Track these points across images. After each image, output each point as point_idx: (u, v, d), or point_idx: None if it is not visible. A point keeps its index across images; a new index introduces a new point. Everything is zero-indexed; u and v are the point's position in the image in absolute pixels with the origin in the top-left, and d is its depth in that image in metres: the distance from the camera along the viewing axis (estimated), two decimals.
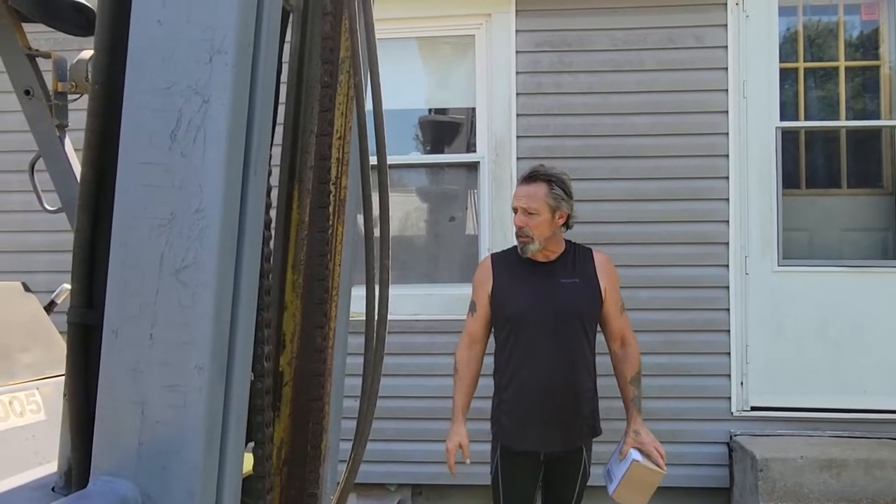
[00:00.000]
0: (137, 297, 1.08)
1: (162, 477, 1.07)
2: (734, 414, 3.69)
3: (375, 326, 1.33)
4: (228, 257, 1.11)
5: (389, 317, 4.04)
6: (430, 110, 4.15)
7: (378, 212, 1.34)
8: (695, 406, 3.71)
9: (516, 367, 2.53)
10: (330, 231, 1.65)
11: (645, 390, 3.56)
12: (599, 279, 2.58)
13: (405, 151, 3.99)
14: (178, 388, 1.07)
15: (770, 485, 3.25)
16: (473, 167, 3.92)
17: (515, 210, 2.52)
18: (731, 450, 3.65)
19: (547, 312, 2.50)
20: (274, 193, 1.64)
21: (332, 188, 1.61)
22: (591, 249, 2.67)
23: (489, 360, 2.68)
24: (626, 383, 2.65)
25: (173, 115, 1.09)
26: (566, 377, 2.51)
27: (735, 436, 3.64)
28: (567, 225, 2.58)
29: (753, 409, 3.68)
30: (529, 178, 2.53)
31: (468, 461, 2.57)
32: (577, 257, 2.61)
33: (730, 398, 3.70)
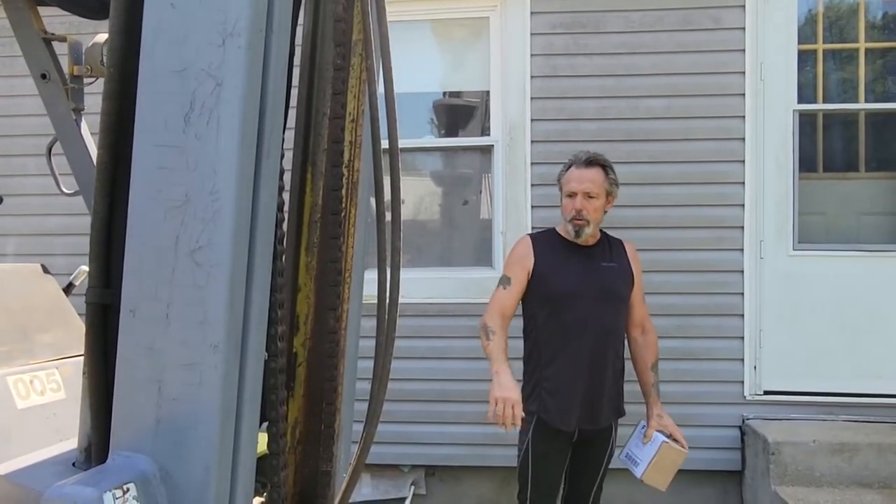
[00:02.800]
0: (153, 278, 1.11)
1: (179, 452, 1.09)
2: (747, 398, 3.68)
3: (387, 309, 1.34)
4: (242, 238, 1.13)
5: (403, 300, 4.06)
6: (444, 93, 4.13)
7: (390, 195, 1.35)
8: (707, 390, 3.71)
9: (559, 346, 2.55)
10: (343, 214, 1.66)
11: (660, 374, 3.58)
12: (631, 266, 2.67)
13: (419, 135, 3.99)
14: (194, 366, 1.10)
15: (782, 468, 3.25)
16: (487, 151, 3.91)
17: (572, 194, 2.55)
18: (743, 433, 3.65)
19: (591, 293, 2.54)
20: (287, 176, 1.66)
21: (344, 171, 1.62)
22: (620, 238, 2.75)
23: (515, 344, 2.65)
24: (647, 369, 2.69)
25: (187, 97, 1.10)
26: (608, 357, 2.57)
27: (747, 419, 3.63)
28: (606, 211, 2.62)
29: (766, 393, 3.67)
30: (589, 162, 2.58)
31: (520, 420, 2.32)
32: (612, 244, 2.70)
33: (742, 382, 3.69)
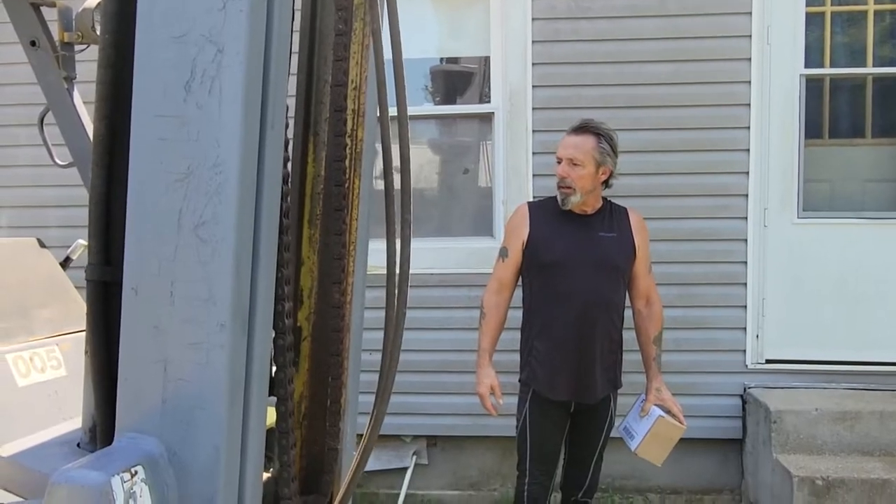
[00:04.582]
0: (156, 254, 1.06)
1: (187, 433, 1.06)
2: (749, 367, 3.68)
3: (397, 283, 1.30)
4: (247, 212, 1.09)
5: None
6: (441, 59, 4.04)
7: (399, 165, 1.30)
8: (709, 359, 3.70)
9: (550, 316, 2.54)
10: (346, 185, 1.62)
11: (662, 345, 3.58)
12: (634, 236, 2.62)
13: (417, 102, 3.91)
14: (200, 345, 1.06)
15: (783, 436, 3.26)
16: (487, 118, 3.84)
17: (559, 160, 2.51)
18: (744, 402, 3.66)
19: (584, 262, 2.51)
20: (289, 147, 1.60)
21: (347, 141, 1.57)
22: (625, 207, 2.70)
23: (513, 314, 2.67)
24: (649, 342, 2.67)
25: (187, 65, 1.05)
26: (601, 327, 2.54)
27: (749, 388, 3.64)
28: (607, 183, 2.57)
29: (768, 361, 3.67)
30: (579, 129, 2.52)
31: (502, 402, 2.59)
32: (614, 213, 2.65)
33: (745, 351, 3.69)
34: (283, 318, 1.20)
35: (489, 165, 3.88)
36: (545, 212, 2.62)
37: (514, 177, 3.75)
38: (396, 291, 1.28)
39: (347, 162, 1.61)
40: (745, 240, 3.66)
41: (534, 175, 3.70)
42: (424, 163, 4.04)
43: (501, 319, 2.64)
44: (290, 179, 1.27)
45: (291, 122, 1.60)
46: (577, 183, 2.49)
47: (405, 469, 3.86)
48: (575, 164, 2.49)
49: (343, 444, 1.70)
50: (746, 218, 3.65)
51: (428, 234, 3.92)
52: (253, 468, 1.15)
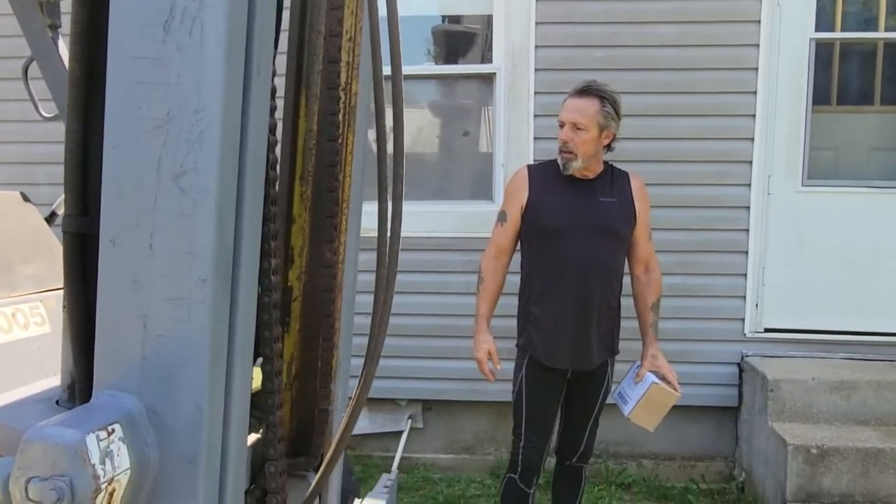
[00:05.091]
0: (134, 205, 1.01)
1: (167, 392, 1.03)
2: (747, 335, 3.66)
3: (388, 241, 1.25)
4: (231, 162, 1.03)
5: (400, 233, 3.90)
6: (443, 17, 3.93)
7: (392, 121, 1.24)
8: (707, 327, 3.68)
9: (549, 282, 2.50)
10: (340, 141, 1.56)
11: (660, 311, 3.55)
12: (635, 202, 2.57)
13: (416, 62, 3.81)
14: (181, 300, 1.02)
15: (780, 405, 3.25)
16: (488, 79, 3.75)
17: (561, 124, 2.44)
18: (741, 370, 3.65)
19: (584, 227, 2.46)
20: (280, 100, 1.54)
21: (341, 94, 1.50)
22: (627, 172, 2.63)
23: (512, 278, 2.64)
24: (647, 308, 2.63)
25: (166, 3, 0.98)
26: (599, 294, 2.50)
27: (746, 356, 3.62)
28: (609, 147, 2.51)
29: (767, 330, 3.65)
30: (582, 91, 2.44)
31: (499, 367, 2.58)
32: (615, 178, 2.58)
33: (743, 319, 3.66)
34: (269, 275, 1.16)
35: (489, 128, 3.80)
36: (545, 175, 2.56)
37: (514, 140, 3.67)
38: (387, 251, 1.22)
39: (341, 116, 1.55)
40: (748, 207, 3.60)
41: (535, 138, 3.63)
42: (424, 124, 3.96)
43: (499, 285, 2.60)
44: (277, 131, 1.21)
45: (282, 79, 1.53)
46: (580, 148, 2.43)
47: (400, 432, 3.86)
48: (578, 129, 2.42)
49: (334, 405, 1.67)
50: (750, 185, 3.59)
51: (425, 196, 3.86)
52: (237, 429, 1.11)
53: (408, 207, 3.95)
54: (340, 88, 1.52)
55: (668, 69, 3.59)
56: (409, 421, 3.88)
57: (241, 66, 1.04)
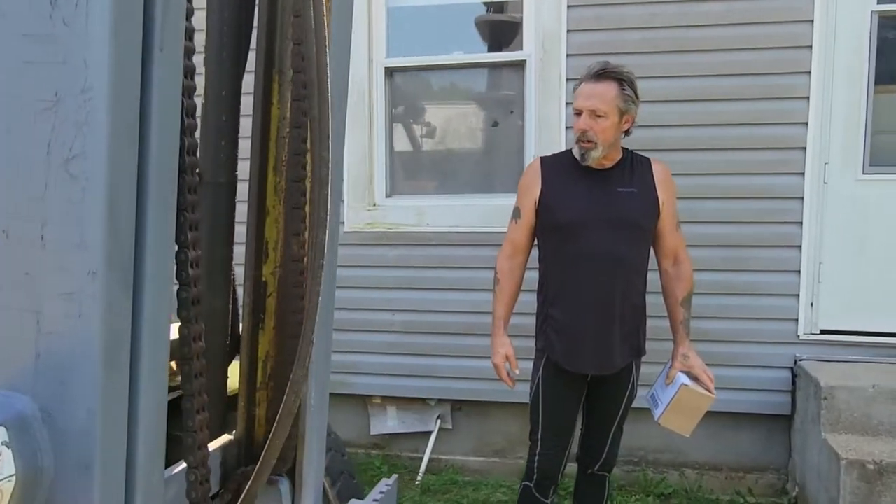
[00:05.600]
0: (25, 192, 0.94)
1: (61, 393, 0.95)
2: (801, 337, 3.37)
3: (309, 229, 1.15)
4: (123, 145, 0.94)
5: (428, 228, 3.91)
6: (486, 6, 3.76)
7: (317, 90, 1.12)
8: (757, 328, 3.41)
9: (566, 281, 2.35)
10: (308, 126, 1.47)
11: (702, 310, 3.32)
12: (658, 191, 2.36)
13: (444, 51, 3.69)
14: (73, 295, 0.94)
15: (834, 414, 2.97)
16: (519, 66, 3.60)
17: (578, 112, 2.28)
18: (794, 375, 3.37)
19: (601, 222, 2.29)
20: (250, 80, 1.47)
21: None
22: (649, 159, 2.43)
23: (531, 275, 2.50)
24: (677, 304, 2.42)
25: None
26: (621, 291, 2.33)
27: (800, 360, 3.34)
28: (628, 132, 2.33)
29: (823, 332, 3.35)
30: (599, 75, 2.26)
31: (518, 371, 2.45)
32: (635, 166, 2.39)
33: (797, 320, 3.37)
34: (186, 268, 1.07)
35: (521, 117, 3.65)
36: (559, 167, 2.40)
37: (545, 129, 3.51)
38: (314, 242, 1.12)
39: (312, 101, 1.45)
40: (802, 198, 3.31)
41: (567, 127, 3.45)
42: (452, 115, 3.84)
43: (516, 285, 2.47)
44: (197, 112, 1.12)
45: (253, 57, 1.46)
46: (601, 136, 2.26)
47: (429, 433, 3.76)
48: (598, 116, 2.24)
49: (307, 405, 1.58)
50: (804, 174, 3.30)
51: (454, 190, 3.75)
52: (149, 435, 1.03)
53: (436, 202, 3.89)
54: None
55: (712, 50, 3.34)
56: (438, 421, 3.78)
57: (137, 41, 0.95)
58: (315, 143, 1.11)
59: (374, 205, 3.72)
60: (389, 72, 3.70)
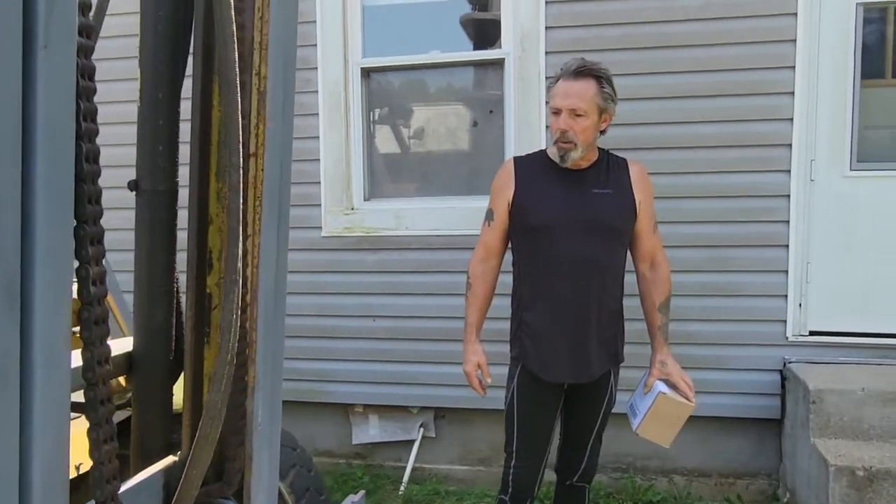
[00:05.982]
0: None
1: None
2: (789, 339, 3.28)
3: (229, 245, 1.06)
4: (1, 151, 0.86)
5: (408, 232, 3.79)
6: (472, 6, 3.67)
7: (223, 105, 1.04)
8: (744, 330, 3.32)
9: (540, 285, 2.26)
10: (248, 129, 1.38)
11: (686, 311, 3.24)
12: (635, 191, 2.27)
13: (421, 50, 3.60)
14: None
15: (823, 419, 2.88)
16: (498, 65, 3.51)
17: (556, 111, 2.19)
18: (784, 378, 3.28)
19: (576, 224, 2.20)
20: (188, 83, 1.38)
21: (255, 80, 1.33)
22: (625, 159, 2.34)
23: (506, 279, 2.41)
24: (654, 309, 2.33)
25: None
26: (597, 297, 2.24)
27: (789, 363, 3.25)
28: (604, 131, 2.25)
29: (812, 333, 3.26)
30: (577, 73, 2.17)
31: (489, 380, 2.37)
32: (611, 166, 2.30)
33: (785, 321, 3.28)
34: (87, 286, 0.98)
35: (500, 117, 3.56)
36: (533, 167, 2.31)
37: (525, 129, 3.42)
38: (224, 253, 1.03)
39: (249, 102, 1.37)
40: (788, 196, 3.23)
41: (547, 126, 3.35)
42: (431, 116, 3.76)
43: (490, 289, 2.38)
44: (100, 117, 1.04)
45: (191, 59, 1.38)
46: (580, 136, 2.17)
47: (412, 442, 3.67)
48: (577, 115, 2.16)
49: (253, 425, 1.49)
50: (790, 171, 3.21)
51: (433, 192, 3.66)
52: (47, 465, 0.95)
53: (414, 204, 3.78)
54: (254, 73, 1.34)
55: (694, 45, 3.26)
56: (421, 430, 3.69)
57: (16, 37, 0.87)
58: (225, 148, 1.03)
59: (352, 208, 3.63)
60: (366, 72, 3.62)
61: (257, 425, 1.53)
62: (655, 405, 2.24)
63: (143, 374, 1.50)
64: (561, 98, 2.18)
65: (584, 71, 2.18)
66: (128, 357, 1.47)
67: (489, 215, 2.37)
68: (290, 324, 3.96)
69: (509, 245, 2.40)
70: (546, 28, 3.36)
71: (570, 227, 2.21)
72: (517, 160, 2.38)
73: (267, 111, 1.42)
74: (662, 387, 2.26)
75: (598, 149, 2.31)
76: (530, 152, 2.45)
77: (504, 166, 2.39)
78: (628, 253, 2.35)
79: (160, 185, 1.46)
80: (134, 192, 1.38)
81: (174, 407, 1.59)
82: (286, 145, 1.48)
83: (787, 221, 3.24)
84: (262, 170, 1.46)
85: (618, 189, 2.26)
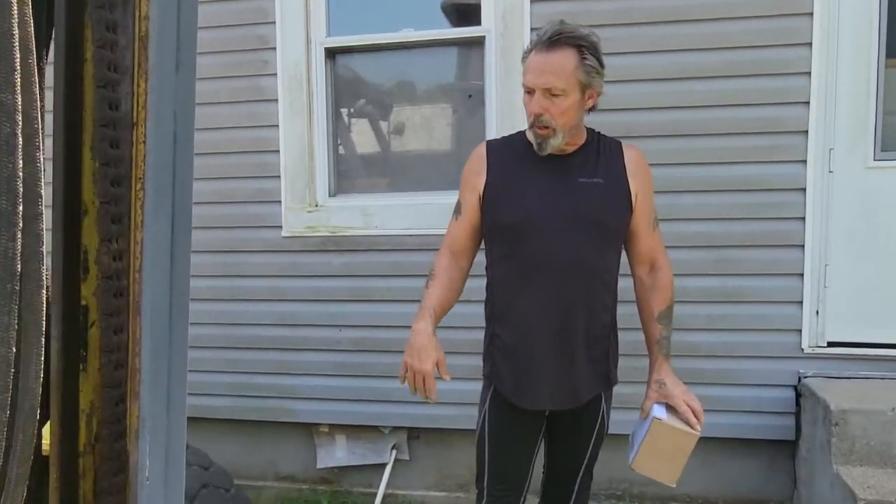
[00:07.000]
0: None
1: None
2: (805, 350, 2.92)
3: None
4: None
5: (378, 231, 3.30)
6: None
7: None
8: (754, 340, 2.96)
9: (516, 292, 1.88)
10: (121, 97, 1.03)
11: (690, 320, 2.88)
12: (630, 181, 1.89)
13: (392, 28, 3.24)
14: None
15: (847, 443, 2.52)
16: (478, 43, 3.15)
17: (530, 91, 1.81)
18: (798, 395, 2.91)
19: (559, 220, 1.82)
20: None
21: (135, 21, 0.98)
22: (619, 142, 1.95)
23: (481, 283, 2.03)
24: (652, 319, 1.94)
25: None
26: (584, 305, 1.85)
27: (805, 378, 2.89)
28: (593, 107, 1.87)
29: (830, 344, 2.90)
30: (552, 42, 1.76)
31: (448, 378, 1.83)
32: (602, 151, 1.91)
33: (800, 331, 2.92)
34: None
35: (480, 102, 3.20)
36: (509, 152, 1.94)
37: (508, 114, 3.06)
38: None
39: (131, 59, 1.02)
40: (804, 189, 2.87)
41: None
42: (404, 101, 3.39)
43: (454, 280, 1.94)
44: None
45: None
46: (560, 119, 1.79)
47: (384, 465, 3.30)
48: (554, 95, 1.77)
49: (133, 473, 1.12)
50: (805, 161, 2.86)
51: (406, 188, 3.30)
52: None
53: (384, 201, 3.33)
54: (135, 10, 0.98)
55: (696, 20, 2.90)
56: (394, 452, 3.31)
57: None
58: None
59: (316, 205, 3.26)
60: (331, 53, 3.25)
61: (144, 480, 1.15)
62: (650, 434, 1.86)
63: None
64: (534, 75, 1.79)
65: (560, 39, 1.77)
66: None
67: (457, 209, 2.00)
68: (248, 334, 3.55)
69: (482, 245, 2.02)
70: (531, 2, 3.00)
71: (551, 224, 1.83)
72: (490, 144, 2.01)
73: (150, 63, 1.04)
74: (659, 412, 1.88)
75: (588, 130, 1.94)
76: (507, 134, 2.07)
77: (475, 151, 2.01)
78: (623, 255, 1.98)
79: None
80: None
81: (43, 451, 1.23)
82: (185, 111, 1.10)
83: (803, 218, 2.88)
84: (143, 142, 1.08)
85: (610, 178, 1.88)
